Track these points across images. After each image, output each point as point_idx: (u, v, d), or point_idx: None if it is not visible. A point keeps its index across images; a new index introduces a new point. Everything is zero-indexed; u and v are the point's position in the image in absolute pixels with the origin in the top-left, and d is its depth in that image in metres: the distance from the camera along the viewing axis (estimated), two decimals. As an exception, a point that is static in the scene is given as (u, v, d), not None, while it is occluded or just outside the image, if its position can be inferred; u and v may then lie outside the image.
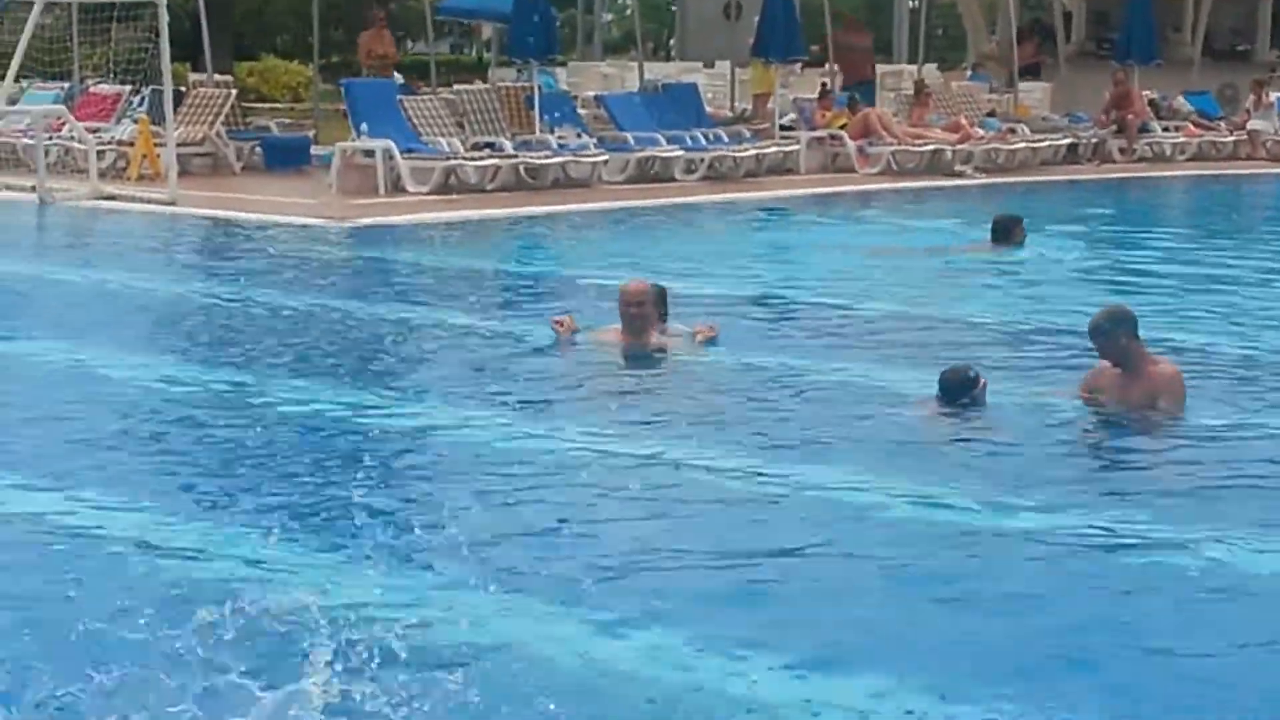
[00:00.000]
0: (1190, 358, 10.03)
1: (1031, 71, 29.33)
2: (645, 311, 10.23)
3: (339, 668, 5.07)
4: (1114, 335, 8.67)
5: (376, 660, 5.15)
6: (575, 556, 6.40)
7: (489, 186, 19.99)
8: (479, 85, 22.56)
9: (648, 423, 8.57)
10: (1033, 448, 8.18)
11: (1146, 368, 8.70)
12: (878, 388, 9.45)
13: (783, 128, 23.90)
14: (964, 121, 24.49)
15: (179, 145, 19.82)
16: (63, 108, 21.69)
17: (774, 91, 24.97)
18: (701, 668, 5.39)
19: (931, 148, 23.56)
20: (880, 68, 31.44)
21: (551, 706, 4.96)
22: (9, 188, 19.45)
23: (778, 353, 10.41)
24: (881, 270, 14.74)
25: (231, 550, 6.55)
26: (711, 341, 10.38)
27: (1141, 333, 8.75)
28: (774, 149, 23.00)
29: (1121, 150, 25.90)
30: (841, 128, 23.77)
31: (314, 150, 22.84)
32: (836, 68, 26.63)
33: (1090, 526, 6.84)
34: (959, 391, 8.61)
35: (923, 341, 10.96)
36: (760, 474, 7.59)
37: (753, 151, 22.47)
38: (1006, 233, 15.29)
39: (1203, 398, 8.94)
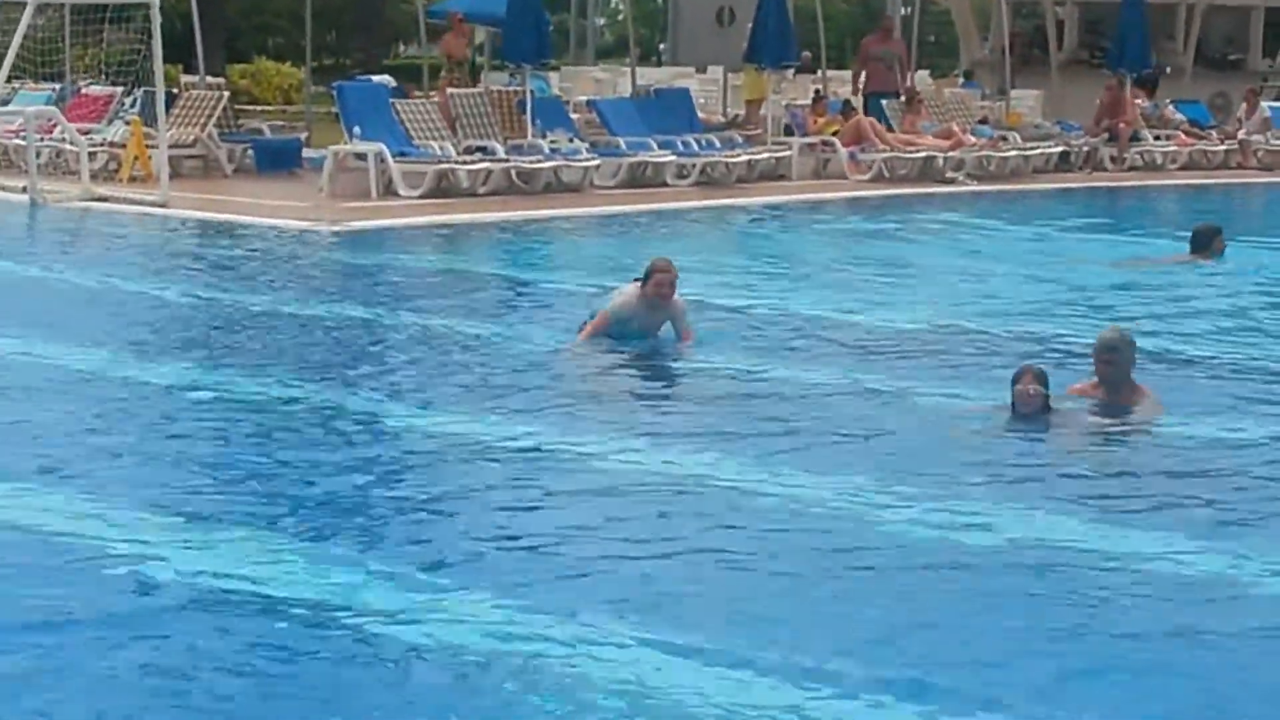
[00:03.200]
0: None
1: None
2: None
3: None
4: (1128, 355, 8.75)
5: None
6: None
7: (481, 190, 19.97)
8: (471, 89, 22.52)
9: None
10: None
11: (1137, 391, 8.84)
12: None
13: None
14: (956, 129, 24.47)
15: (171, 147, 19.76)
16: (54, 109, 21.67)
17: (766, 97, 24.97)
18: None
19: (923, 155, 23.54)
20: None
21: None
22: (1, 189, 19.43)
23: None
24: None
25: (218, 547, 6.57)
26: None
27: None
28: (766, 155, 23.00)
29: (1113, 158, 25.92)
30: (834, 134, 23.78)
31: (306, 153, 22.79)
32: (864, 74, 26.41)
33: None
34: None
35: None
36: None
37: (745, 157, 22.47)
38: (1207, 243, 15.05)
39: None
